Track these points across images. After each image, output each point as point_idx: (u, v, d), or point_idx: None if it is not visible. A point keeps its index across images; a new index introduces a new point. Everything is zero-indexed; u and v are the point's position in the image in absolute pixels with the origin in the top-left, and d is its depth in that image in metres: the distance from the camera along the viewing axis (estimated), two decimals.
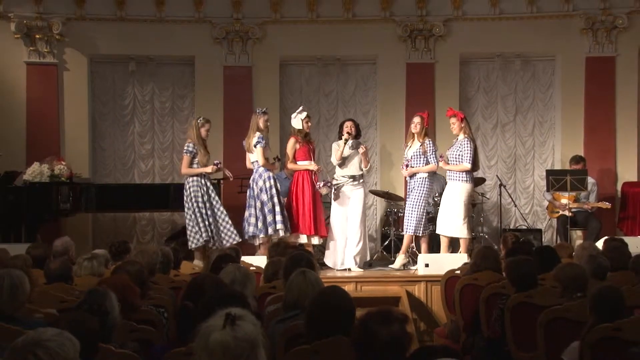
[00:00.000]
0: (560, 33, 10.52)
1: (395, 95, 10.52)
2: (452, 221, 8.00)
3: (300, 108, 8.31)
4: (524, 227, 10.28)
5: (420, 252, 8.21)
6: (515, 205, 10.37)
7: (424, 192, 8.14)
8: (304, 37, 10.58)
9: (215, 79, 10.51)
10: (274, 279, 5.03)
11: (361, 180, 8.39)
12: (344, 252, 8.23)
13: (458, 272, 6.22)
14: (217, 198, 8.04)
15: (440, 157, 8.13)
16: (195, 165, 7.97)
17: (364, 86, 10.93)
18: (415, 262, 8.21)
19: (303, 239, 8.07)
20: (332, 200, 8.32)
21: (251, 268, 5.87)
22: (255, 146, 7.98)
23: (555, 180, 9.06)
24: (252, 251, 8.31)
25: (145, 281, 4.47)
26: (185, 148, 8.04)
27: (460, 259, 7.39)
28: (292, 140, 8.24)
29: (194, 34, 10.55)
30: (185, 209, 7.99)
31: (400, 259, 8.23)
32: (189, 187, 7.95)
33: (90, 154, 10.49)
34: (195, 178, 7.96)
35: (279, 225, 7.85)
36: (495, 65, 10.84)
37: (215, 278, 3.95)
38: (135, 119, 10.79)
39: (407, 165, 8.20)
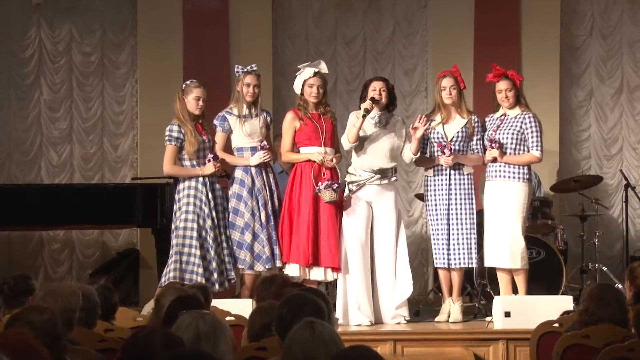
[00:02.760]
0: None
1: (456, 44, 10.53)
2: (504, 244, 7.91)
3: (317, 62, 8.06)
4: None
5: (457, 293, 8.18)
6: None
7: (474, 197, 8.07)
8: None
9: (169, 17, 10.56)
10: (265, 335, 5.05)
11: (393, 179, 8.19)
12: (368, 299, 8.06)
13: (558, 325, 6.22)
14: (227, 213, 7.91)
15: (491, 143, 7.93)
16: (186, 162, 7.86)
17: (407, 29, 10.94)
18: (486, 310, 8.21)
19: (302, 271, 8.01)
20: (344, 212, 8.07)
21: (228, 318, 5.88)
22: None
23: None
24: (231, 292, 8.33)
25: (59, 339, 4.49)
26: (168, 133, 7.83)
27: (560, 304, 7.38)
28: (289, 116, 8.09)
29: None
30: (173, 227, 7.95)
31: (460, 306, 8.23)
32: (181, 197, 7.87)
33: None
34: (188, 183, 7.86)
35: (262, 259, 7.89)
36: None
37: (169, 334, 3.96)
38: (42, 80, 10.85)
39: (450, 149, 7.95)
